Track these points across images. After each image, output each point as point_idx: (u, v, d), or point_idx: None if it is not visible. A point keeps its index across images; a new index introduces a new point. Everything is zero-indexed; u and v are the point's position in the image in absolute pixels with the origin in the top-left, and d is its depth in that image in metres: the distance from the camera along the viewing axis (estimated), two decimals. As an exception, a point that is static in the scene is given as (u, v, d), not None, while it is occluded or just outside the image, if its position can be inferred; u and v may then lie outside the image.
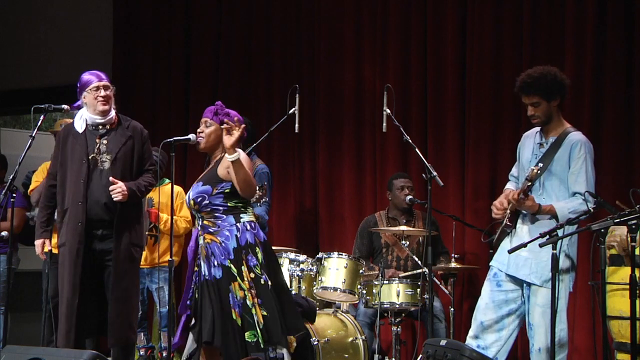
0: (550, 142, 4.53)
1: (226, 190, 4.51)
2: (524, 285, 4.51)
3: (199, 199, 4.50)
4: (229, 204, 4.51)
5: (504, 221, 4.53)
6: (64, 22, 8.43)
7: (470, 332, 4.57)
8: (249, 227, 4.52)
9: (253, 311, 4.43)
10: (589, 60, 6.02)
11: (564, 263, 4.40)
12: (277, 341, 4.43)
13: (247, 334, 4.41)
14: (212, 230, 4.49)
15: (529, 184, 4.38)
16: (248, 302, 4.44)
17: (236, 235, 4.48)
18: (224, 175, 4.51)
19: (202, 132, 4.61)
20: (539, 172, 4.38)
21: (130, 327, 5.00)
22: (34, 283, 7.12)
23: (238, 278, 4.44)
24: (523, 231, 4.51)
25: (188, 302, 4.56)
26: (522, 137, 4.76)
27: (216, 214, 4.50)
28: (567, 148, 4.46)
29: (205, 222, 4.52)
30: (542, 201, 4.45)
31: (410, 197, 6.02)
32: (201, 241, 4.53)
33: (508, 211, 4.50)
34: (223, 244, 4.47)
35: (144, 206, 5.62)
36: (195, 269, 4.57)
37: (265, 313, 4.43)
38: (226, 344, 4.39)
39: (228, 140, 4.37)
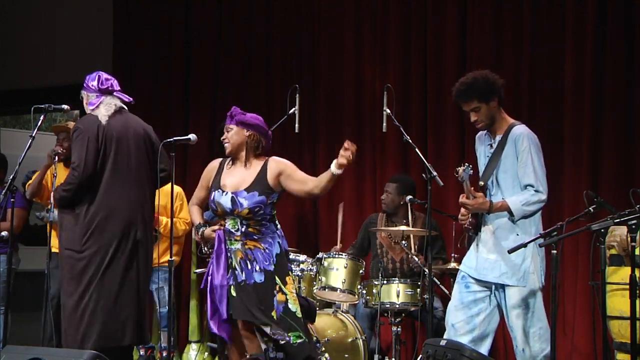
0: (497, 141, 4.54)
1: (274, 201, 4.61)
2: (494, 288, 4.51)
3: (256, 209, 4.53)
4: (272, 213, 4.62)
5: (466, 224, 4.56)
6: (64, 22, 8.43)
7: (445, 336, 4.57)
8: (282, 234, 4.66)
9: (298, 314, 4.55)
10: (589, 60, 6.02)
11: (534, 259, 4.41)
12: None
13: (292, 336, 4.50)
14: (255, 237, 4.55)
15: (465, 184, 4.37)
16: (291, 306, 4.54)
17: (278, 242, 4.59)
18: (274, 185, 4.59)
19: (225, 139, 4.64)
20: (464, 171, 4.33)
21: (74, 340, 4.67)
22: (33, 283, 7.13)
23: (280, 283, 4.54)
24: (488, 234, 4.52)
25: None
26: (475, 139, 4.76)
27: (263, 222, 4.57)
28: (512, 143, 4.47)
29: (250, 229, 4.55)
30: (499, 199, 4.45)
31: (410, 197, 6.01)
32: (238, 246, 4.55)
33: (469, 215, 4.53)
34: (267, 250, 4.54)
35: None
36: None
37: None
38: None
39: (343, 161, 4.43)
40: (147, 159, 4.97)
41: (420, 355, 4.27)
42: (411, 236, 5.89)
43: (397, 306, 5.54)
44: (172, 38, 7.75)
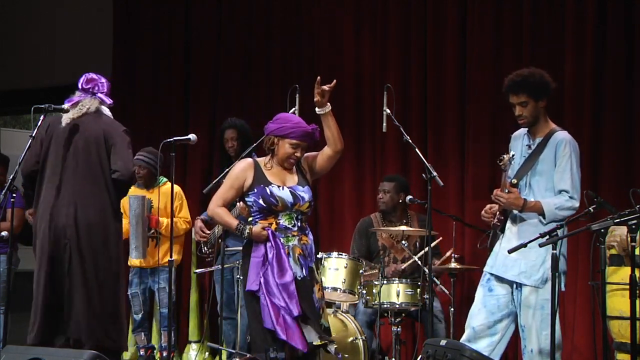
0: (537, 143, 4.53)
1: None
2: (514, 286, 4.50)
3: (312, 202, 4.59)
4: None
5: (494, 221, 4.55)
6: (64, 22, 8.44)
7: (464, 337, 4.55)
8: None
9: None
10: (589, 60, 6.02)
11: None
12: None
13: None
14: (306, 232, 4.57)
15: (507, 175, 4.37)
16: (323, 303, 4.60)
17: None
18: (310, 178, 4.66)
19: (299, 157, 4.60)
20: (509, 160, 4.35)
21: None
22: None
23: (318, 278, 4.61)
24: (512, 232, 4.50)
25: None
26: (511, 137, 4.76)
27: (308, 217, 4.63)
28: (553, 147, 4.46)
29: (303, 224, 4.55)
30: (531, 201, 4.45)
31: (410, 197, 6.01)
32: (295, 242, 4.50)
33: (497, 211, 4.52)
34: (311, 245, 4.58)
35: (144, 210, 5.58)
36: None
37: None
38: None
39: (317, 98, 4.66)
40: (98, 160, 4.93)
41: (420, 355, 4.27)
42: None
43: (397, 306, 5.54)
44: (172, 38, 7.75)
